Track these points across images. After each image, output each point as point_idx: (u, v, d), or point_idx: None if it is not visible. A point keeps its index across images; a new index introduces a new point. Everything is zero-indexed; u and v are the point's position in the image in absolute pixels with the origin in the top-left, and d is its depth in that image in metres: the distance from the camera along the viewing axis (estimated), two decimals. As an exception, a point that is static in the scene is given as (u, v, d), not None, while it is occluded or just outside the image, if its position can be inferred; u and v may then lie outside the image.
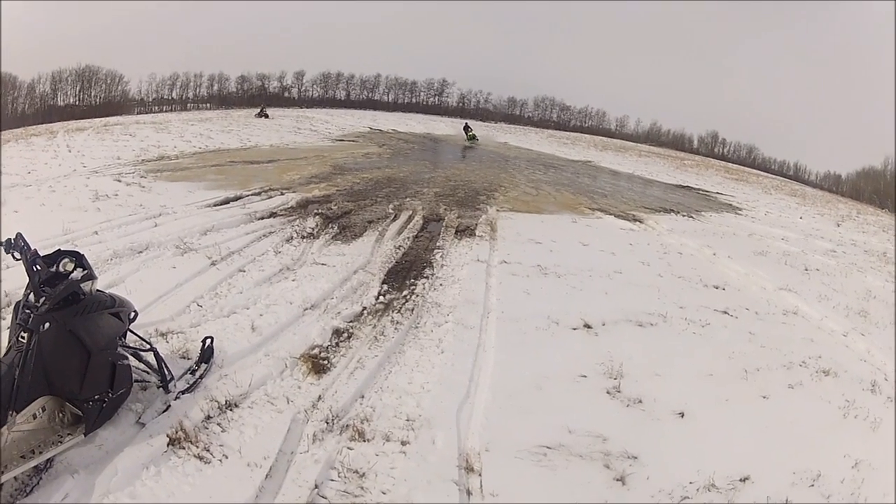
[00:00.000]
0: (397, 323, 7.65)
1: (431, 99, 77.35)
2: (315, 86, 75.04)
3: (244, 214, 12.35)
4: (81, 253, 5.04)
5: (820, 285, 11.47)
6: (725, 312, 9.02)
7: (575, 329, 7.71)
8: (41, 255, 4.79)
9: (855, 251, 16.72)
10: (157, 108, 68.58)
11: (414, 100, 77.12)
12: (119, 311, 5.23)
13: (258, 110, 46.00)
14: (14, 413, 4.22)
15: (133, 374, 5.24)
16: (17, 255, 4.75)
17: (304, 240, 11.07)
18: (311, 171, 19.84)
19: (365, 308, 8.06)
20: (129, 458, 4.62)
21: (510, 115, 75.77)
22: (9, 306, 7.34)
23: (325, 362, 6.49)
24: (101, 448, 4.76)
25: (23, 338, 4.51)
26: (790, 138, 67.97)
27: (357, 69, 74.02)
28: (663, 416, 5.80)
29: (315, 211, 13.23)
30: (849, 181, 62.98)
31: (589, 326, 7.79)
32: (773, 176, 60.13)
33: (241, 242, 10.36)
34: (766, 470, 5.15)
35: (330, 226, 12.24)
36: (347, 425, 5.31)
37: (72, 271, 4.81)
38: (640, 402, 5.97)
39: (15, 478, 4.20)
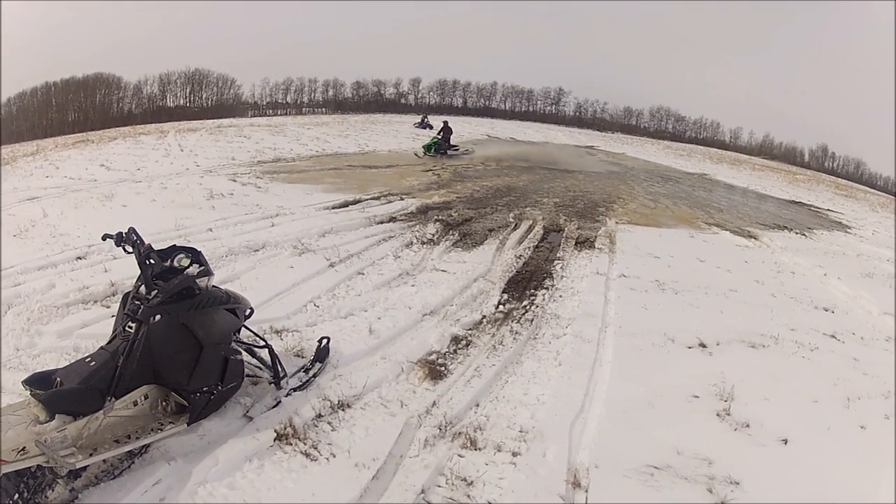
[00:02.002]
0: (516, 333, 7.75)
1: (548, 108, 77.20)
2: (431, 93, 76.35)
3: (363, 218, 12.82)
4: (198, 250, 5.46)
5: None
6: (833, 336, 8.71)
7: (690, 347, 7.67)
8: (155, 249, 5.18)
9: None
10: (270, 111, 71.17)
11: (531, 108, 77.21)
12: (235, 307, 5.61)
13: (419, 120, 45.13)
14: (113, 399, 4.61)
15: (245, 370, 5.61)
16: (128, 248, 5.14)
17: (425, 245, 11.38)
18: (431, 177, 20.41)
19: (484, 316, 8.21)
20: (231, 450, 4.91)
21: (626, 125, 74.82)
22: (113, 296, 7.97)
23: (442, 368, 6.69)
24: (203, 438, 5.10)
25: (130, 327, 4.92)
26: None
27: (474, 77, 74.79)
28: (768, 442, 5.69)
29: (435, 217, 13.56)
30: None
31: (704, 345, 7.73)
32: (880, 193, 56.87)
33: (361, 245, 10.78)
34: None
35: (450, 232, 12.51)
36: (460, 433, 5.47)
37: (187, 267, 5.21)
38: (748, 426, 5.94)
39: (105, 461, 4.58)
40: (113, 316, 6.06)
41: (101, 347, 5.03)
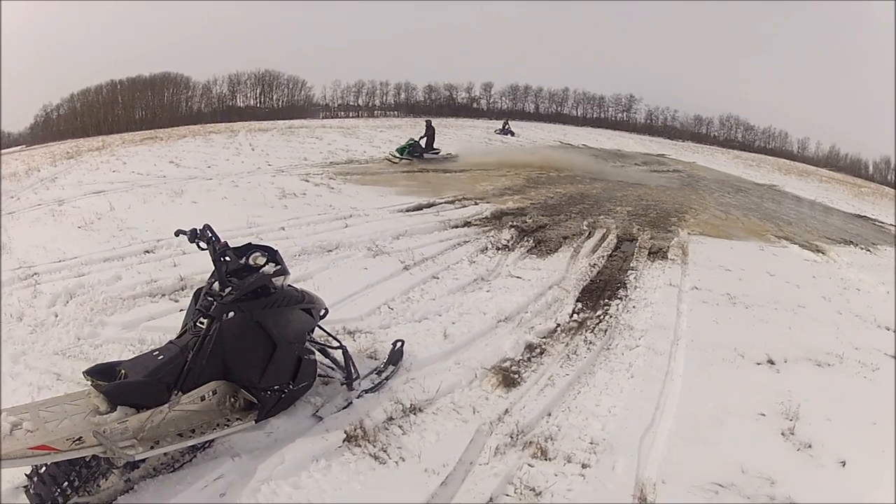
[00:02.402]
0: (590, 343, 7.65)
1: (619, 115, 76.79)
2: (503, 98, 76.68)
3: (438, 222, 12.86)
4: (275, 249, 5.51)
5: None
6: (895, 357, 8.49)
7: (759, 364, 7.50)
8: (231, 247, 5.24)
9: None
10: (342, 113, 72.12)
11: (602, 115, 76.92)
12: (310, 307, 5.64)
13: (500, 126, 44.22)
14: (179, 393, 4.64)
15: (318, 369, 5.63)
16: (202, 244, 5.21)
17: (499, 251, 11.31)
18: (505, 182, 20.33)
19: (559, 325, 8.11)
20: (298, 449, 4.93)
21: (696, 133, 74.01)
22: (182, 290, 8.10)
23: (516, 376, 6.63)
24: (270, 436, 5.12)
25: (201, 323, 4.97)
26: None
27: (545, 82, 74.80)
28: (827, 464, 5.59)
29: (510, 223, 13.48)
30: None
31: (772, 362, 7.54)
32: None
33: (435, 249, 10.82)
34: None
35: (525, 239, 12.42)
36: (531, 442, 5.44)
37: (263, 265, 5.25)
38: (810, 446, 5.84)
39: (165, 453, 4.60)
40: (182, 310, 6.14)
41: (170, 342, 5.10)
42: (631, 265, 11.36)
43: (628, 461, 5.26)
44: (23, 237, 10.70)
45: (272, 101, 70.96)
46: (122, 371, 4.61)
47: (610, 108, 76.98)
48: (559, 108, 76.45)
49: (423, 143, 24.16)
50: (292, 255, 9.49)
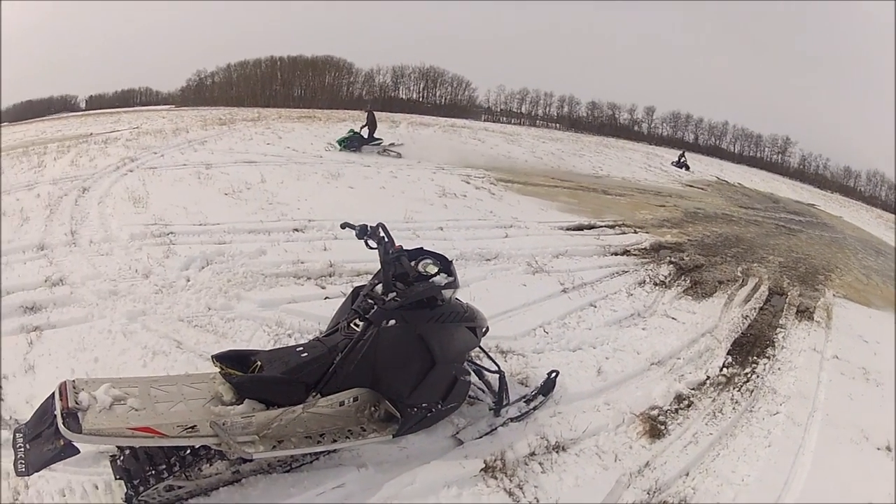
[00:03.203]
0: (735, 402, 7.19)
1: (774, 156, 77.67)
2: (664, 124, 76.68)
3: (598, 246, 12.52)
4: (449, 259, 5.16)
5: None
6: None
7: (879, 449, 6.93)
8: (405, 249, 4.91)
9: None
10: (504, 118, 73.15)
11: (758, 154, 77.65)
12: (474, 325, 5.27)
13: (677, 157, 42.87)
14: (318, 395, 4.38)
15: (469, 391, 5.31)
16: (372, 243, 4.90)
17: (657, 287, 10.85)
18: (664, 213, 19.82)
19: (708, 377, 7.66)
20: (432, 471, 4.65)
21: (844, 185, 73.68)
22: (330, 276, 7.98)
23: (662, 427, 6.25)
24: (403, 451, 4.89)
25: (356, 325, 4.71)
26: None
27: (707, 113, 74.75)
28: None
29: (668, 258, 13.02)
30: None
31: (889, 448, 6.97)
32: None
33: (595, 275, 10.45)
34: None
35: (682, 277, 11.91)
36: (666, 502, 5.14)
37: (434, 274, 4.93)
38: None
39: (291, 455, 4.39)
40: (327, 298, 5.99)
41: (317, 338, 4.90)
42: (780, 322, 10.73)
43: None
44: (162, 195, 10.99)
45: (435, 98, 72.57)
46: (258, 362, 4.39)
47: (766, 149, 76.96)
48: (717, 142, 76.78)
49: (364, 132, 22.56)
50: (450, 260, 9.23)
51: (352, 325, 4.76)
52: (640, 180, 28.20)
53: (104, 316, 6.30)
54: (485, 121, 66.49)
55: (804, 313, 11.66)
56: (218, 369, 4.26)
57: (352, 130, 22.81)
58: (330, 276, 8.08)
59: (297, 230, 9.67)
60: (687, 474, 5.59)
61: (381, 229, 4.87)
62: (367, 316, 4.61)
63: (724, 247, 16.48)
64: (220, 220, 9.49)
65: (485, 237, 11.10)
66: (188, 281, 7.37)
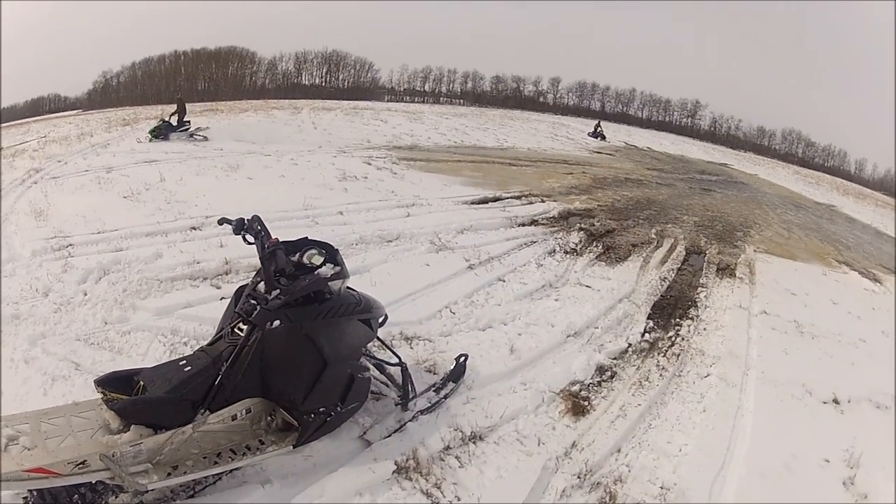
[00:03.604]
0: (662, 368, 7.08)
1: (684, 120, 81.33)
2: (570, 94, 78.09)
3: (504, 218, 12.36)
4: (334, 247, 4.69)
5: None
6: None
7: (825, 403, 7.04)
8: (283, 241, 4.46)
9: None
10: (407, 98, 73.59)
11: (667, 118, 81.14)
12: (368, 316, 4.85)
13: (593, 128, 43.78)
14: (207, 412, 3.98)
15: (370, 386, 4.93)
16: (249, 238, 4.45)
17: (568, 255, 10.72)
18: (571, 180, 19.96)
19: (630, 345, 7.54)
20: (341, 479, 4.33)
21: (758, 145, 77.86)
22: (226, 275, 7.64)
23: (585, 403, 6.01)
24: (309, 460, 4.53)
25: (240, 329, 4.30)
26: None
27: (613, 81, 76.72)
28: None
29: (578, 225, 12.96)
30: None
31: (837, 402, 7.10)
32: None
33: (501, 248, 10.28)
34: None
35: (594, 244, 11.89)
36: (599, 483, 4.91)
37: (319, 266, 4.48)
38: (866, 497, 5.54)
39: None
40: (223, 299, 5.65)
41: (201, 349, 4.43)
42: (701, 282, 10.84)
43: (699, 511, 4.95)
44: (63, 204, 10.51)
45: (338, 82, 72.53)
46: (141, 382, 3.95)
47: (675, 113, 79.26)
48: (625, 109, 78.47)
49: (173, 120, 21.83)
50: (350, 244, 9.07)
51: (236, 329, 4.32)
52: (547, 150, 28.53)
53: (7, 343, 5.85)
54: (388, 101, 66.76)
55: (725, 270, 11.85)
56: (101, 396, 3.87)
57: (162, 119, 21.98)
58: (226, 273, 7.74)
59: (194, 228, 9.28)
60: (619, 451, 5.41)
61: (257, 223, 4.38)
62: (250, 318, 4.18)
63: (635, 210, 16.67)
64: (118, 226, 9.08)
65: (386, 218, 10.84)
66: (85, 295, 6.96)
